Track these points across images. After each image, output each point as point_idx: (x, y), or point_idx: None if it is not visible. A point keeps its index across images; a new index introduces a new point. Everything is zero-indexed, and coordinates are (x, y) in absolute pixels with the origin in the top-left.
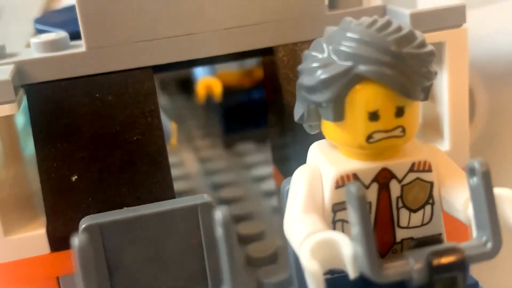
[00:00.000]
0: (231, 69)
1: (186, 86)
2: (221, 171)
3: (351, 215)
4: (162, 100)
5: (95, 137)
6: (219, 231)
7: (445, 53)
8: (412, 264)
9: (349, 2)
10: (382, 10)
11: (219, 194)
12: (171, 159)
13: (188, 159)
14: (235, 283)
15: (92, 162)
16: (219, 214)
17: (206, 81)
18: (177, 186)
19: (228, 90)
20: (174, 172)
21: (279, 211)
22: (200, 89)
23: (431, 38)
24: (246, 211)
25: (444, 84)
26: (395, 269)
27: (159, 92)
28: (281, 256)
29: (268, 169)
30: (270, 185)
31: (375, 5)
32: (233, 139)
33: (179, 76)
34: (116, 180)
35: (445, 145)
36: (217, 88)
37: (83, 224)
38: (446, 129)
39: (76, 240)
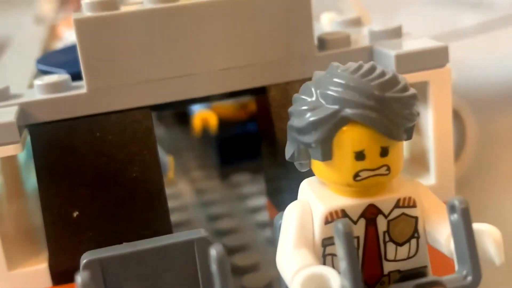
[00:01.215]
0: (227, 103)
1: (183, 118)
2: (217, 203)
3: (339, 250)
4: (160, 131)
5: (96, 174)
6: (213, 268)
7: (429, 91)
8: None
9: (338, 43)
10: (369, 51)
11: (215, 226)
12: (168, 191)
13: (185, 191)
14: None
15: (93, 198)
16: (213, 251)
17: (202, 114)
18: (174, 217)
19: (223, 123)
20: (171, 203)
21: (273, 242)
22: (196, 122)
23: (415, 77)
24: (241, 243)
25: (429, 121)
26: None
27: (157, 123)
28: (276, 287)
29: (262, 200)
30: (264, 216)
31: (362, 46)
32: (228, 171)
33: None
34: (116, 216)
35: (431, 179)
36: (213, 121)
37: (84, 259)
38: (432, 164)
39: (79, 277)
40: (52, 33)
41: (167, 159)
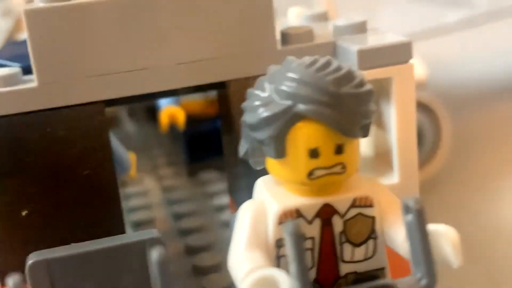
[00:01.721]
0: (195, 99)
1: (155, 113)
2: (183, 201)
3: (288, 252)
4: (130, 127)
5: (46, 172)
6: (154, 272)
7: (393, 88)
8: None
9: (301, 38)
10: (332, 46)
11: (179, 225)
12: (135, 189)
13: (152, 189)
14: None
15: (42, 197)
16: (154, 253)
17: (169, 110)
18: (139, 216)
19: (192, 119)
20: (136, 202)
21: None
22: (163, 118)
23: (378, 73)
24: (205, 242)
25: (392, 118)
26: None
27: (128, 119)
28: None
29: (227, 199)
30: (228, 215)
31: (325, 41)
32: (196, 168)
33: (146, 103)
34: (67, 215)
35: (394, 178)
36: (181, 117)
37: (30, 260)
38: (395, 161)
39: (11, 281)
40: (18, 25)
41: (128, 157)
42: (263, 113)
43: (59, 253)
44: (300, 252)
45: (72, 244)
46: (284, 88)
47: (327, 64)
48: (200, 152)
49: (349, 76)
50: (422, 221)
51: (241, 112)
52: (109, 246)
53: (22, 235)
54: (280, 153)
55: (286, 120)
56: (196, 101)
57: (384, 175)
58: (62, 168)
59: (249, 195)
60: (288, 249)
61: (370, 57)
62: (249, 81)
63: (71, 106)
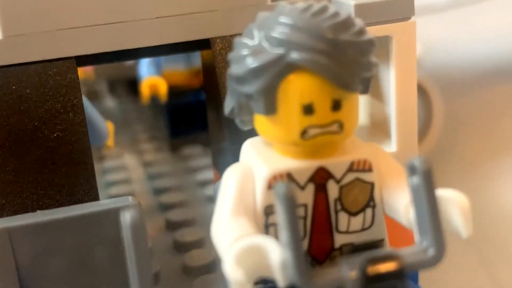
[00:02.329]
0: (178, 69)
1: (133, 87)
2: (165, 175)
3: (279, 218)
4: (110, 102)
5: (11, 133)
6: (127, 237)
7: (392, 48)
8: (345, 273)
9: None
10: (326, 0)
11: (160, 199)
12: (114, 163)
13: (132, 163)
14: None
15: (6, 160)
16: (126, 216)
17: (151, 81)
18: (118, 190)
19: (174, 91)
20: (116, 176)
21: None
22: (144, 89)
23: (377, 31)
24: (187, 217)
25: (392, 82)
26: (326, 277)
27: (108, 94)
28: (219, 265)
29: (211, 174)
30: (211, 190)
31: None
32: (179, 142)
33: (127, 77)
34: (34, 181)
35: (392, 147)
36: (163, 88)
37: None
38: (393, 129)
39: None
40: None
41: (106, 126)
42: (252, 63)
43: (22, 220)
44: (292, 218)
45: (39, 211)
46: (275, 34)
47: (324, 9)
48: (183, 126)
49: (348, 22)
50: (430, 183)
51: (226, 74)
52: (79, 214)
53: None
54: (270, 109)
55: (277, 71)
56: (178, 71)
57: (380, 145)
58: (29, 129)
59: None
60: (279, 215)
61: (368, 12)
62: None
63: (40, 61)
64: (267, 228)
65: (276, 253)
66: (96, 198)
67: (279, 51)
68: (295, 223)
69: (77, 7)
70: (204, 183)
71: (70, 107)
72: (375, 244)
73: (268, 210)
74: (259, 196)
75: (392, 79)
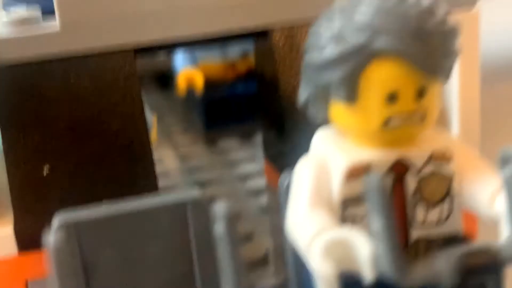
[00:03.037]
0: (214, 61)
1: (164, 81)
2: (203, 169)
3: (371, 209)
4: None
5: (70, 126)
6: (219, 229)
7: None
8: (441, 265)
9: None
10: None
11: (203, 194)
12: None
13: (167, 156)
14: None
15: (66, 153)
16: (220, 208)
17: (187, 73)
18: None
19: (210, 83)
20: None
21: (269, 210)
22: (181, 81)
23: None
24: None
25: (454, 72)
26: (422, 270)
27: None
28: (272, 258)
29: (254, 167)
30: (256, 183)
31: None
32: (215, 135)
33: (156, 71)
34: (93, 174)
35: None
36: (199, 81)
37: (58, 221)
38: (454, 120)
39: (51, 239)
40: None
41: (151, 118)
42: (333, 50)
43: (90, 214)
44: (387, 208)
45: (103, 204)
46: (359, 19)
47: None
48: (219, 119)
49: (434, 9)
50: None
51: (284, 64)
52: (146, 207)
53: (43, 195)
54: (351, 97)
55: (361, 58)
56: (214, 64)
57: None
58: (88, 122)
59: (293, 158)
60: (371, 206)
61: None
62: (294, 30)
63: (99, 53)
64: (344, 220)
65: (365, 245)
66: (155, 189)
67: (363, 37)
68: (390, 214)
69: None
70: (245, 177)
71: (129, 100)
72: (453, 238)
73: (346, 202)
74: (337, 188)
75: (455, 69)
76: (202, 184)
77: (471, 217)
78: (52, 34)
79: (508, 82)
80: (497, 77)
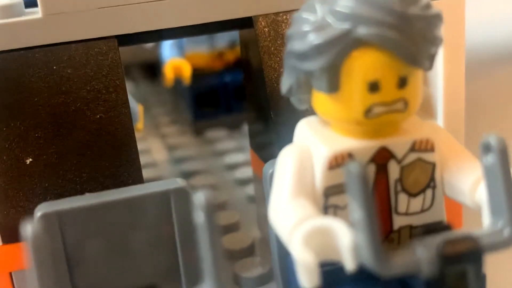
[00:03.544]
0: (201, 51)
1: (152, 71)
2: (191, 159)
3: (352, 198)
4: (127, 86)
5: (53, 114)
6: (200, 217)
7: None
8: (420, 254)
9: None
10: None
11: (189, 182)
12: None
13: (155, 147)
14: (218, 278)
15: (49, 142)
16: (200, 197)
17: (175, 63)
18: (144, 174)
19: (197, 73)
20: (141, 160)
21: (256, 200)
22: (168, 71)
23: None
24: (219, 201)
25: (439, 60)
26: (401, 259)
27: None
28: (259, 248)
29: (241, 157)
30: (244, 173)
31: None
32: (203, 126)
33: (144, 61)
34: (77, 163)
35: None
36: (186, 70)
37: (39, 211)
38: (439, 109)
39: (29, 229)
40: None
41: (137, 107)
42: (315, 39)
43: (71, 203)
44: (367, 197)
45: (86, 194)
46: (341, 8)
47: None
48: (206, 109)
49: None
50: (505, 162)
51: (270, 52)
52: (129, 197)
53: (26, 186)
54: (333, 86)
55: (342, 47)
56: (202, 53)
57: None
58: (71, 111)
59: (278, 148)
60: (352, 195)
61: None
62: (279, 17)
63: (81, 41)
64: (326, 209)
65: (346, 234)
66: (140, 180)
67: (345, 26)
68: (370, 203)
69: None
70: (233, 166)
71: (112, 88)
72: (435, 226)
73: (328, 191)
74: (319, 177)
75: (440, 57)
76: (190, 174)
77: (456, 206)
78: (34, 21)
79: (493, 73)
80: (482, 69)
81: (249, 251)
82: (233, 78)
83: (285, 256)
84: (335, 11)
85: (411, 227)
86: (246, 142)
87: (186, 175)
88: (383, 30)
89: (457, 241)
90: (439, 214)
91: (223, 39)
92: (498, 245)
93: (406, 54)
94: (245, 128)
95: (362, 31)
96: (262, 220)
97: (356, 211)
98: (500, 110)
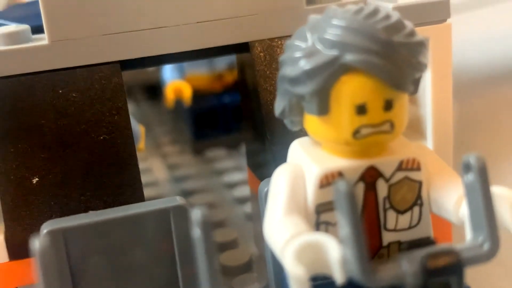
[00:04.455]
0: (201, 73)
1: (153, 92)
2: (191, 178)
3: (340, 215)
4: (129, 107)
5: (58, 136)
6: (196, 233)
7: (429, 49)
8: (405, 267)
9: None
10: (362, 3)
11: (189, 201)
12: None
13: (156, 166)
14: None
15: (54, 163)
16: (197, 213)
17: (175, 85)
18: (145, 193)
19: (197, 95)
20: (142, 179)
21: (253, 218)
22: (169, 92)
23: None
24: (217, 219)
25: (427, 82)
26: (387, 272)
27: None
28: (256, 264)
29: (240, 176)
30: (242, 191)
31: (356, 0)
32: (203, 145)
33: (145, 82)
34: (81, 183)
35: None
36: (187, 92)
37: (45, 228)
38: (429, 130)
39: (37, 244)
40: None
41: (138, 128)
42: (306, 65)
43: (76, 221)
44: (354, 214)
45: (90, 212)
46: (329, 36)
47: (375, 11)
48: (205, 129)
49: (400, 24)
50: (485, 180)
51: (265, 76)
52: (130, 214)
53: (32, 204)
54: (323, 110)
55: (331, 72)
56: (202, 75)
57: None
58: (76, 132)
59: (274, 167)
60: (340, 211)
61: (405, 15)
62: (274, 42)
63: (85, 66)
64: (318, 226)
65: (335, 249)
66: (141, 198)
67: (333, 52)
68: (358, 219)
69: (121, 12)
70: (231, 185)
71: (115, 110)
72: (422, 242)
73: (320, 209)
74: (311, 195)
75: (428, 80)
76: (189, 193)
77: (446, 223)
78: (41, 47)
79: (481, 94)
80: (470, 90)
81: (246, 268)
82: (232, 99)
83: (280, 272)
84: (324, 38)
85: (399, 243)
86: (244, 161)
87: (186, 194)
88: (369, 57)
89: (440, 254)
90: (426, 230)
91: (222, 61)
92: (478, 259)
93: (391, 79)
94: (243, 147)
95: (349, 57)
96: (259, 237)
97: (344, 227)
98: (491, 129)
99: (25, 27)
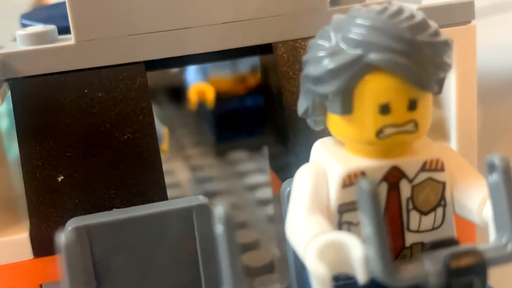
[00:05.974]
0: (224, 75)
1: (176, 95)
2: (213, 180)
3: (363, 213)
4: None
5: (83, 135)
6: (219, 230)
7: (453, 51)
8: (428, 267)
9: None
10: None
11: (211, 202)
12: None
13: (179, 167)
14: None
15: (79, 161)
16: (220, 210)
17: (199, 87)
18: (168, 194)
19: (220, 97)
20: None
21: (275, 219)
22: (192, 95)
23: None
24: (240, 220)
25: (452, 84)
26: (410, 272)
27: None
28: (278, 265)
29: (262, 178)
30: (264, 193)
31: (380, 1)
32: (225, 148)
33: (169, 85)
34: (105, 181)
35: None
36: (210, 94)
37: (70, 225)
38: (453, 132)
39: (63, 240)
40: None
41: (162, 130)
42: (329, 64)
43: (100, 218)
44: (377, 213)
45: (114, 209)
46: (353, 36)
47: (400, 11)
48: (229, 132)
49: (424, 23)
50: (509, 180)
51: (288, 77)
52: (154, 212)
53: (57, 202)
54: (347, 109)
55: (355, 72)
56: (225, 78)
57: None
58: (101, 132)
59: (296, 169)
60: (363, 211)
61: (430, 16)
62: (297, 43)
63: (111, 66)
64: (340, 226)
65: (358, 249)
66: (164, 197)
67: (357, 51)
68: (380, 219)
69: (146, 13)
70: (253, 187)
71: (140, 110)
72: (445, 243)
73: (342, 208)
74: (333, 195)
75: (452, 81)
76: (212, 194)
77: (470, 224)
78: (67, 47)
79: (505, 99)
80: (495, 95)
81: (268, 268)
82: (254, 102)
83: (301, 272)
84: (347, 38)
85: (422, 244)
86: (266, 164)
87: (208, 195)
88: (393, 56)
89: (463, 254)
90: (449, 231)
91: (245, 64)
92: (502, 259)
93: (415, 79)
94: (265, 150)
95: (373, 56)
96: (281, 239)
97: (367, 226)
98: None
99: (52, 27)
